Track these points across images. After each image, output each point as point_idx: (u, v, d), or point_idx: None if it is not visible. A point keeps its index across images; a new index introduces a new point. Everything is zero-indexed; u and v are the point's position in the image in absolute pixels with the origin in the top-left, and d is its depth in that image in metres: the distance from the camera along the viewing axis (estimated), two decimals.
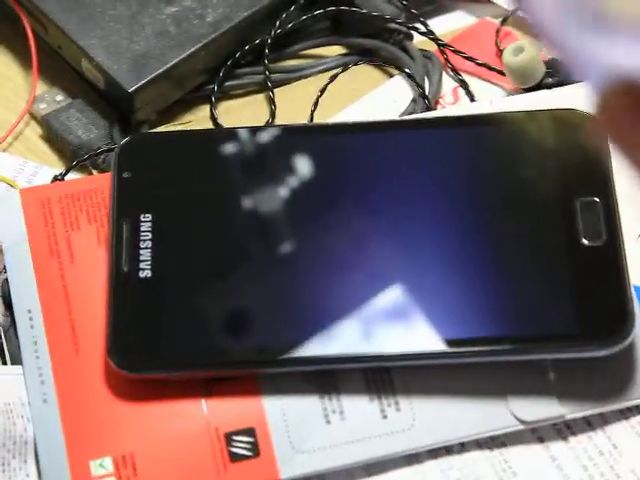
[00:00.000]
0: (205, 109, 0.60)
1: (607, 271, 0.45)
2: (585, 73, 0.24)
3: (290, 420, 0.45)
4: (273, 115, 0.59)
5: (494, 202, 0.48)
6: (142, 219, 0.48)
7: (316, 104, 0.57)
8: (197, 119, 0.60)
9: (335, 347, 0.45)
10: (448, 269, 0.47)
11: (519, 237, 0.47)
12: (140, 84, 0.56)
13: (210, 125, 0.59)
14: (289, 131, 0.51)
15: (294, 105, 0.60)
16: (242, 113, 0.60)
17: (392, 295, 0.46)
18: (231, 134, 0.50)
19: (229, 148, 0.50)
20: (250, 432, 0.44)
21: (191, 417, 0.45)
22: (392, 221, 0.48)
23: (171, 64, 0.56)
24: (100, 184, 0.50)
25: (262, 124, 0.58)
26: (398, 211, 0.48)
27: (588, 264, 0.45)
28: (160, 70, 0.56)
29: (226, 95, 0.61)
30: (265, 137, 0.50)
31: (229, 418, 0.45)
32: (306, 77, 0.61)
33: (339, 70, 0.58)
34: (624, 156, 0.23)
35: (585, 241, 0.46)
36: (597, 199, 0.46)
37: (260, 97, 0.61)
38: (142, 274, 0.46)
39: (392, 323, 0.45)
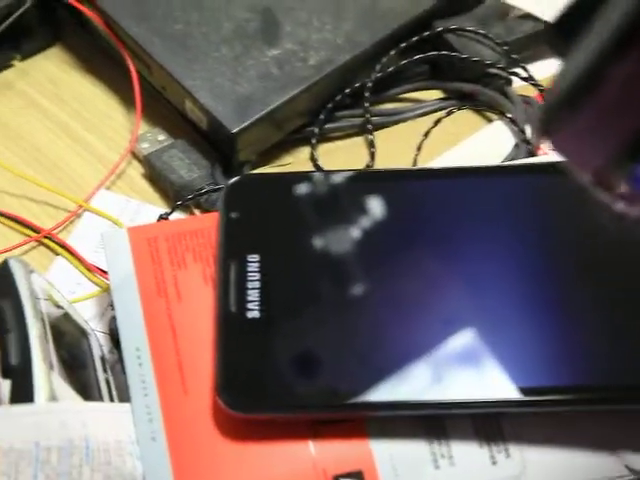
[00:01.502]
0: (304, 151, 0.61)
1: None
2: None
3: (399, 464, 0.44)
4: (373, 157, 0.59)
5: (590, 250, 0.48)
6: (249, 259, 0.48)
7: (419, 148, 0.57)
8: (297, 161, 0.60)
9: (435, 393, 0.44)
10: (540, 315, 0.46)
11: (623, 285, 0.47)
12: (243, 125, 0.56)
13: (309, 167, 0.59)
14: (389, 175, 0.51)
15: (393, 148, 0.60)
16: (341, 155, 0.60)
17: (486, 342, 0.45)
18: (335, 177, 0.50)
19: (331, 190, 0.50)
20: (358, 475, 0.44)
21: (299, 458, 0.44)
22: (497, 270, 0.47)
23: (274, 106, 0.57)
24: (206, 224, 0.50)
25: (361, 167, 0.58)
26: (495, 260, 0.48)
27: None
28: (263, 112, 0.57)
29: (325, 137, 0.61)
30: (365, 180, 0.50)
31: (337, 460, 0.44)
32: (404, 121, 0.62)
33: (443, 114, 0.59)
34: None
35: None
36: None
37: (359, 140, 0.61)
38: (250, 314, 0.46)
39: (493, 369, 0.44)
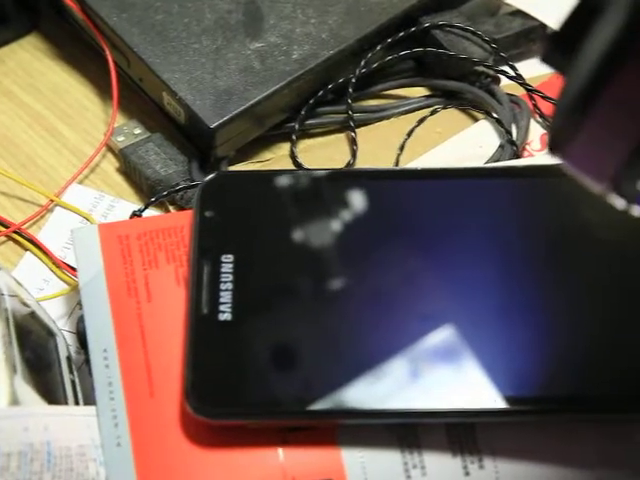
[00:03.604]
0: (284, 147, 0.59)
1: None
2: None
3: (369, 473, 0.43)
4: (354, 155, 0.57)
5: (577, 255, 0.46)
6: (223, 260, 0.46)
7: (402, 147, 0.56)
8: (276, 157, 0.59)
9: (407, 402, 0.43)
10: (520, 322, 0.45)
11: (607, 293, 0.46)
12: (222, 120, 0.55)
13: (289, 164, 0.58)
14: (369, 175, 0.49)
15: (375, 146, 0.58)
16: (322, 152, 0.59)
17: (462, 349, 0.44)
18: (314, 175, 0.49)
19: (309, 189, 0.48)
20: None
21: (267, 466, 0.43)
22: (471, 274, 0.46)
23: (254, 101, 0.55)
24: (180, 222, 0.49)
25: (342, 164, 0.57)
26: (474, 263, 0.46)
27: None
28: (243, 107, 0.55)
29: (306, 133, 0.60)
30: (344, 180, 0.49)
31: (306, 468, 0.43)
32: (388, 118, 0.60)
33: (427, 113, 0.57)
34: None
35: None
36: None
37: (341, 136, 0.60)
38: (222, 317, 0.45)
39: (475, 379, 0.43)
